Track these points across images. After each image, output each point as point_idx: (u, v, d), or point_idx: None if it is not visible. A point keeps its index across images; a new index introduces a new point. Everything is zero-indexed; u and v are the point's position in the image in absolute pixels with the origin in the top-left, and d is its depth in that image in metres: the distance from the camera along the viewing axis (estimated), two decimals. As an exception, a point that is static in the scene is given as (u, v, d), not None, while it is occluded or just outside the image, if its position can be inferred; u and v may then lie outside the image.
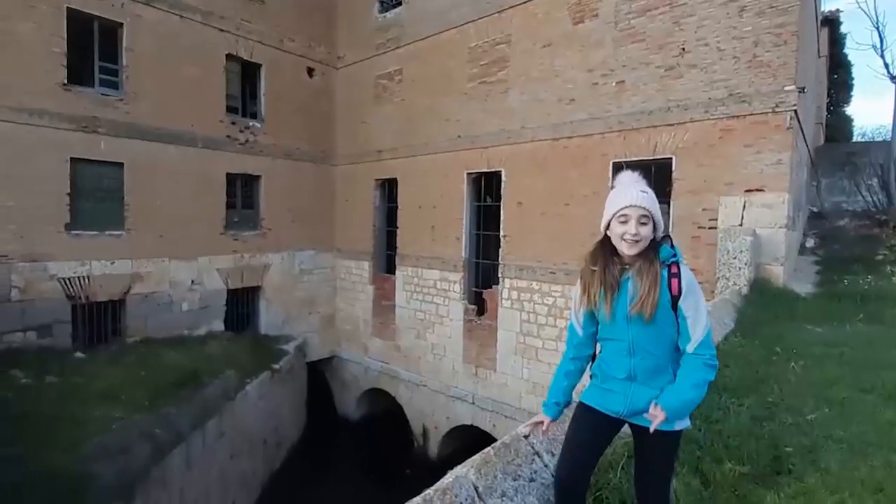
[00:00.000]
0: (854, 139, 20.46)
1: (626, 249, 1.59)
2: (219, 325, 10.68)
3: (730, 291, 5.90)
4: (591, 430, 1.69)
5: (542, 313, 8.80)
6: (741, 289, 5.99)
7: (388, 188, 12.23)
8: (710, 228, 6.84)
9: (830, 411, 3.09)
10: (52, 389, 6.88)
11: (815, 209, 12.53)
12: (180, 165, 9.99)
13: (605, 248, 1.67)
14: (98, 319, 9.11)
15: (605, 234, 1.67)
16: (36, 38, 8.15)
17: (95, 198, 9.00)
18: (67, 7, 8.44)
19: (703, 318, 1.57)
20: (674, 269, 1.58)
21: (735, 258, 6.04)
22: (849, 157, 13.25)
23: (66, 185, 8.55)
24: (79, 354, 8.19)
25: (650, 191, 1.61)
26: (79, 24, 8.67)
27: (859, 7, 16.68)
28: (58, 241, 8.47)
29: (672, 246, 1.63)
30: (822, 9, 14.20)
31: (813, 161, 12.53)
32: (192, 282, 10.25)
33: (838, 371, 3.86)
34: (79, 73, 8.79)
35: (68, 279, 8.61)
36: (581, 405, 1.74)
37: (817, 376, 3.75)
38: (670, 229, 7.15)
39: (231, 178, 10.96)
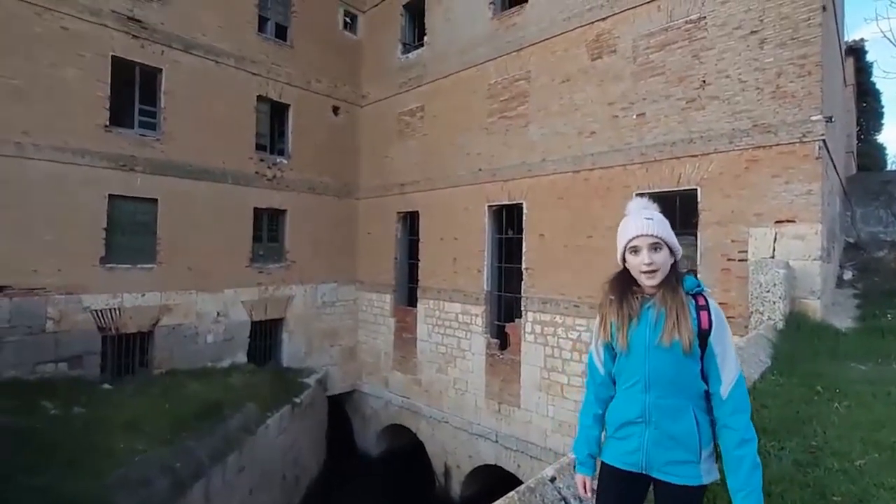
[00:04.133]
0: (888, 168, 19.87)
1: (646, 281, 1.52)
2: (242, 357, 10.76)
3: (764, 326, 5.66)
4: (615, 496, 1.55)
5: (566, 348, 8.59)
6: (776, 323, 5.73)
7: (410, 221, 12.37)
8: (740, 261, 6.63)
9: (880, 456, 2.86)
10: (79, 420, 6.98)
11: (850, 240, 12.06)
12: (211, 201, 10.36)
13: (624, 278, 1.60)
14: (126, 351, 9.30)
15: (624, 266, 1.60)
16: (82, 83, 8.71)
17: (129, 232, 9.35)
18: (112, 55, 9.04)
19: (733, 356, 1.47)
20: (701, 301, 1.49)
21: (768, 291, 5.81)
22: (884, 186, 12.82)
23: (103, 220, 8.93)
24: (106, 385, 8.34)
25: (657, 215, 1.54)
26: (122, 69, 9.25)
27: (885, 36, 16.54)
28: (93, 274, 8.78)
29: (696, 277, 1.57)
30: (846, 38, 14.11)
31: (846, 190, 12.16)
32: (218, 314, 10.43)
33: (886, 412, 3.60)
34: (119, 115, 9.31)
35: (100, 311, 8.87)
36: (603, 466, 1.60)
37: (863, 417, 3.50)
38: (698, 261, 6.98)
39: (258, 213, 11.28)
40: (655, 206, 1.59)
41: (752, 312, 6.10)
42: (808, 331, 5.75)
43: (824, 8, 6.37)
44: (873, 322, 6.83)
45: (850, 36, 15.45)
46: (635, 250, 1.53)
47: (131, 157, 9.27)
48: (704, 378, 1.49)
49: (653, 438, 1.47)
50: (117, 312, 9.06)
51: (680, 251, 1.55)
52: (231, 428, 7.73)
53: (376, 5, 13.18)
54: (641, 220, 1.52)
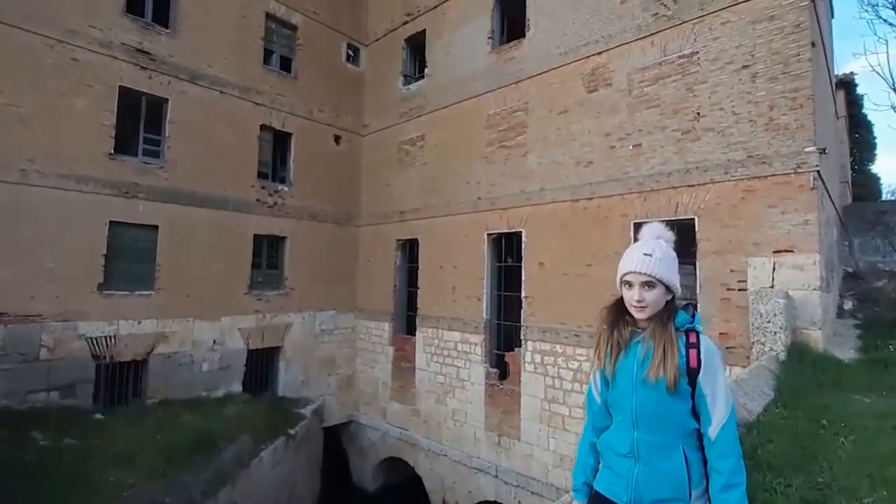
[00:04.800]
0: (883, 198, 20.07)
1: (635, 314, 1.52)
2: (237, 387, 10.59)
3: (766, 357, 5.60)
4: None
5: (567, 378, 8.47)
6: (778, 354, 5.67)
7: (410, 249, 12.39)
8: (739, 290, 6.62)
9: (889, 494, 2.78)
10: (69, 451, 6.82)
11: (849, 269, 12.08)
12: (211, 227, 10.40)
13: (619, 307, 1.59)
14: (120, 380, 9.16)
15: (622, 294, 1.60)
16: (89, 112, 8.87)
17: (129, 259, 9.34)
18: (120, 86, 9.24)
19: (723, 396, 1.42)
20: (692, 339, 1.45)
21: (769, 322, 5.78)
22: (880, 216, 12.93)
23: (103, 246, 8.94)
24: (98, 415, 8.18)
25: (660, 251, 1.51)
26: (128, 99, 9.44)
27: (874, 70, 16.98)
28: (90, 301, 8.73)
29: (693, 315, 1.52)
30: (837, 72, 14.48)
31: (842, 220, 12.25)
32: (214, 342, 10.32)
33: (893, 447, 3.52)
34: (124, 143, 9.42)
35: (96, 339, 8.78)
36: (595, 494, 1.58)
37: (871, 453, 3.42)
38: (697, 291, 6.97)
39: (258, 240, 11.31)
40: (670, 234, 1.57)
41: (753, 343, 6.05)
42: (811, 362, 5.69)
43: (813, 44, 6.56)
44: (876, 353, 6.76)
45: (840, 69, 15.87)
46: (629, 284, 1.53)
47: (134, 184, 9.36)
48: (696, 416, 1.46)
49: (642, 475, 1.44)
50: (113, 340, 8.97)
51: (678, 290, 1.52)
52: (224, 461, 7.54)
53: (378, 39, 13.58)
54: (640, 256, 1.51)
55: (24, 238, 8.08)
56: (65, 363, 8.39)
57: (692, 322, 1.50)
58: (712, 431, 1.41)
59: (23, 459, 6.37)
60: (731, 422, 1.42)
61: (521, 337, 9.30)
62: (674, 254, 1.55)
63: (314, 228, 12.42)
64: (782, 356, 5.68)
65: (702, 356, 1.43)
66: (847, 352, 6.94)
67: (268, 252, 11.66)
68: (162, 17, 10.03)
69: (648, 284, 1.49)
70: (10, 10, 8.07)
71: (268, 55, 11.78)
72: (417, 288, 11.66)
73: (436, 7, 11.87)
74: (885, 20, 14.41)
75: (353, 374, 13.02)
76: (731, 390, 1.46)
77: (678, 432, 1.44)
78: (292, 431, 9.60)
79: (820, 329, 6.17)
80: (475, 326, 10.19)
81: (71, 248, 8.55)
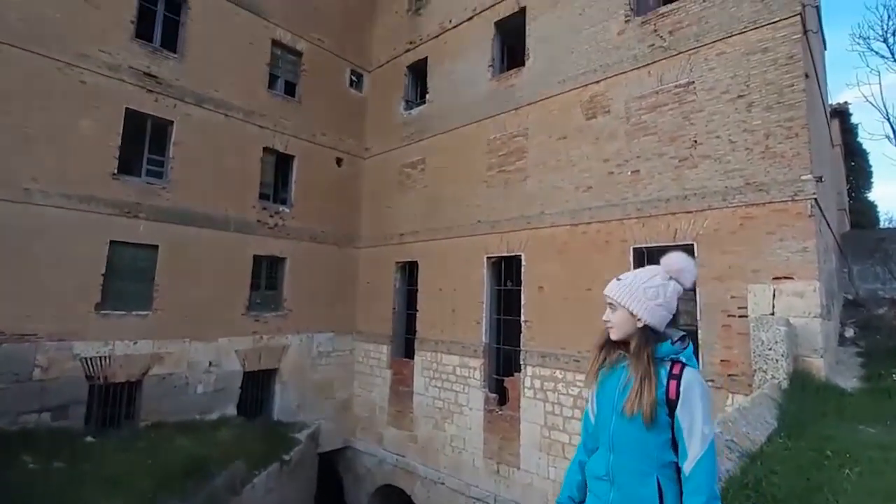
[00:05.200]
0: (881, 225, 20.19)
1: (610, 334, 1.60)
2: (232, 410, 10.42)
3: (769, 385, 5.53)
4: None
5: (566, 405, 8.35)
6: (780, 382, 5.61)
7: (409, 271, 12.39)
8: (740, 317, 6.58)
9: (900, 531, 2.72)
10: (58, 475, 6.67)
11: (849, 296, 12.04)
12: (211, 248, 10.42)
13: None
14: (113, 401, 9.02)
15: None
16: (94, 133, 8.98)
17: (127, 278, 9.32)
18: (126, 108, 9.40)
19: (699, 431, 1.39)
20: (675, 370, 1.46)
21: (770, 349, 5.73)
22: (878, 244, 12.97)
23: (102, 266, 8.93)
24: (89, 438, 8.03)
25: (632, 277, 1.59)
26: (134, 121, 9.58)
27: (867, 101, 17.31)
28: (87, 321, 8.68)
29: (686, 346, 1.52)
30: (831, 101, 14.76)
31: (841, 247, 12.29)
32: (210, 363, 10.21)
33: (901, 480, 3.46)
34: (127, 163, 9.52)
35: (90, 359, 8.68)
36: None
37: (877, 485, 3.36)
38: (698, 317, 6.94)
39: (257, 260, 11.31)
40: (683, 265, 1.58)
41: (755, 370, 5.98)
42: (814, 391, 5.62)
43: (807, 75, 6.71)
44: (879, 382, 6.69)
45: (834, 99, 16.16)
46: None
47: (136, 204, 9.42)
48: (676, 447, 1.45)
49: (616, 499, 1.46)
50: (107, 361, 8.87)
51: (645, 318, 1.53)
52: (217, 487, 7.37)
53: (381, 66, 13.88)
54: (612, 280, 1.63)
55: (23, 256, 8.08)
56: (58, 384, 8.28)
57: (679, 353, 1.50)
58: (686, 466, 1.40)
59: (10, 483, 6.22)
60: (706, 459, 1.38)
61: (521, 361, 9.21)
62: (656, 284, 1.56)
63: (314, 250, 12.44)
64: (784, 384, 5.62)
65: (681, 388, 1.43)
66: (850, 380, 6.87)
67: (267, 273, 11.64)
68: (170, 42, 10.28)
69: (611, 306, 1.59)
70: (25, 34, 8.28)
71: (273, 80, 12.02)
72: (417, 311, 11.61)
73: (438, 36, 12.17)
74: (876, 52, 14.75)
75: (349, 397, 12.84)
76: (712, 425, 1.43)
77: (653, 463, 1.45)
78: (287, 457, 9.41)
79: (822, 357, 6.11)
80: (474, 350, 10.10)
81: (70, 267, 8.55)
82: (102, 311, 8.86)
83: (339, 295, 12.90)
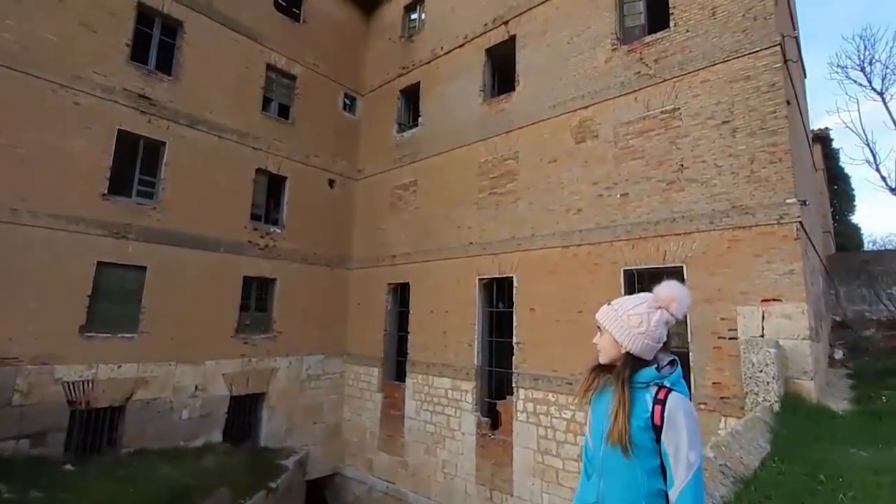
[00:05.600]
0: (865, 247, 20.56)
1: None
2: (218, 436, 10.15)
3: (760, 408, 5.52)
4: None
5: (560, 429, 8.25)
6: (772, 405, 5.61)
7: (401, 293, 12.33)
8: (730, 339, 6.61)
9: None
10: (33, 506, 6.41)
11: (837, 318, 12.17)
12: (201, 269, 10.31)
13: None
14: (95, 427, 8.76)
15: None
16: (86, 154, 8.94)
17: (114, 300, 9.16)
18: (119, 129, 9.40)
19: (685, 458, 1.37)
20: (660, 395, 1.45)
21: (761, 371, 5.74)
22: (863, 266, 13.19)
23: (88, 287, 8.79)
24: (69, 466, 7.76)
25: (621, 304, 1.61)
26: (126, 141, 9.57)
27: (847, 127, 17.86)
28: (70, 344, 8.49)
29: (673, 371, 1.52)
30: (812, 127, 15.18)
31: (827, 269, 12.47)
32: (196, 387, 9.98)
33: (893, 503, 3.43)
34: (118, 184, 9.47)
35: (73, 383, 8.46)
36: None
37: (872, 511, 3.33)
38: (689, 339, 6.95)
39: (248, 281, 11.20)
40: (674, 294, 1.57)
41: (746, 393, 5.98)
42: (805, 413, 5.62)
43: (788, 102, 6.92)
44: (869, 405, 6.71)
45: (815, 125, 16.65)
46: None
47: (126, 224, 9.34)
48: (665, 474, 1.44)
49: None
50: (90, 385, 8.65)
51: (628, 346, 1.53)
52: (199, 516, 7.12)
53: (375, 90, 14.10)
54: (605, 304, 1.67)
55: (6, 278, 7.94)
56: (38, 409, 8.04)
57: (664, 377, 1.50)
58: (672, 493, 1.40)
59: (-18, 515, 5.97)
60: (691, 486, 1.37)
61: (513, 384, 9.13)
62: (640, 311, 1.56)
63: (305, 271, 12.37)
64: (776, 407, 5.61)
65: (665, 413, 1.42)
66: (840, 403, 6.88)
67: (257, 294, 11.52)
68: (165, 64, 10.38)
69: (600, 330, 1.65)
70: (20, 56, 8.32)
71: (267, 102, 12.14)
72: (408, 333, 11.51)
73: (430, 62, 12.43)
74: (854, 80, 15.30)
75: (339, 422, 12.59)
76: (699, 451, 1.41)
77: (641, 491, 1.43)
78: (273, 485, 9.13)
79: (812, 379, 6.14)
80: (466, 373, 10.00)
81: (55, 289, 8.40)
82: (87, 334, 8.68)
83: (329, 317, 12.78)
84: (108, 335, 8.96)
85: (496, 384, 9.98)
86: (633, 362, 1.53)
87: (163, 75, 10.19)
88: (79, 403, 8.49)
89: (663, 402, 1.43)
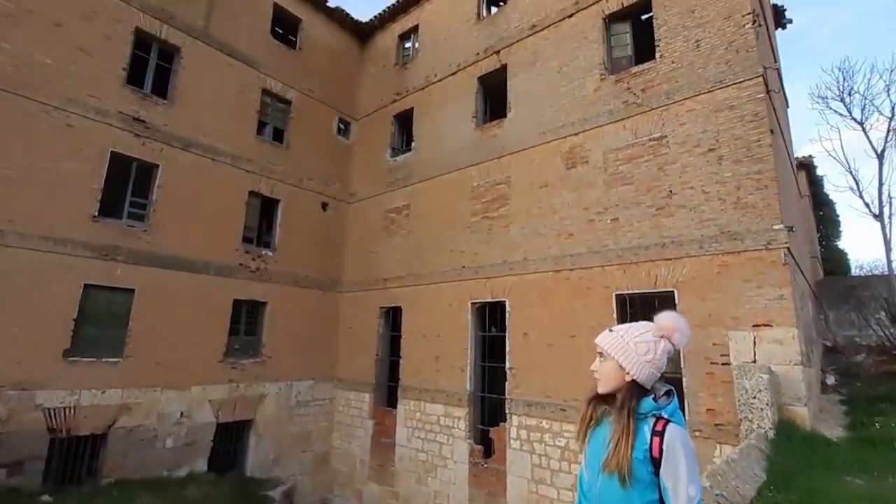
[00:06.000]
0: (852, 272, 20.84)
1: (596, 385, 1.60)
2: (202, 465, 9.84)
3: (755, 435, 5.48)
4: None
5: (554, 457, 8.11)
6: (767, 432, 5.56)
7: (393, 316, 12.23)
8: (723, 364, 6.61)
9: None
10: (4, 541, 6.12)
11: (828, 343, 12.23)
12: (190, 292, 10.18)
13: None
14: (75, 456, 8.47)
15: None
16: (77, 176, 8.89)
17: (100, 323, 8.98)
18: (112, 151, 9.39)
19: (684, 492, 1.36)
20: (658, 426, 1.44)
21: (755, 398, 5.72)
22: (851, 291, 13.34)
23: (74, 310, 8.61)
24: (46, 497, 7.47)
25: (625, 331, 1.59)
26: (119, 163, 9.54)
27: (830, 155, 18.31)
28: (53, 368, 8.27)
29: (670, 402, 1.51)
30: (796, 154, 15.56)
31: (816, 294, 12.59)
32: (182, 414, 9.72)
33: (892, 536, 3.39)
34: (109, 205, 9.38)
35: (54, 410, 8.20)
36: None
37: (870, 542, 3.28)
38: (682, 364, 6.93)
39: (237, 305, 11.06)
40: (676, 325, 1.58)
41: (741, 419, 5.93)
42: (800, 441, 5.58)
43: (772, 131, 7.11)
44: (863, 431, 6.68)
45: (798, 153, 17.04)
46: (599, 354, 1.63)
47: (115, 246, 9.24)
48: None
49: None
50: (72, 411, 8.40)
51: (635, 373, 1.52)
52: (180, 551, 6.83)
53: (369, 114, 14.29)
54: (606, 329, 1.64)
55: (-9, 301, 7.78)
56: (17, 437, 7.76)
57: (661, 408, 1.48)
58: None
59: (-50, 551, 5.69)
60: None
61: (507, 411, 9.00)
62: (647, 340, 1.55)
63: (296, 294, 12.25)
64: (771, 434, 5.57)
65: (664, 445, 1.40)
66: (834, 429, 6.85)
67: (247, 318, 11.37)
68: (161, 88, 10.47)
69: (601, 356, 1.60)
70: (14, 78, 8.34)
71: (261, 126, 12.23)
72: (400, 357, 11.37)
73: (423, 88, 12.66)
74: (835, 111, 15.75)
75: (328, 450, 12.28)
76: (698, 484, 1.40)
77: None
78: (259, 516, 8.83)
79: (805, 405, 6.12)
80: (459, 399, 9.85)
81: (40, 312, 8.22)
82: (71, 358, 8.47)
83: (320, 341, 12.61)
84: (93, 360, 8.75)
85: (489, 410, 9.84)
86: (636, 391, 1.51)
87: (158, 99, 10.27)
88: (59, 431, 8.21)
89: (661, 434, 1.41)
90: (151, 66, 10.39)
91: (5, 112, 8.23)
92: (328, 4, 13.98)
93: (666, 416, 1.46)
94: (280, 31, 13.25)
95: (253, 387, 11.01)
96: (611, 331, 1.62)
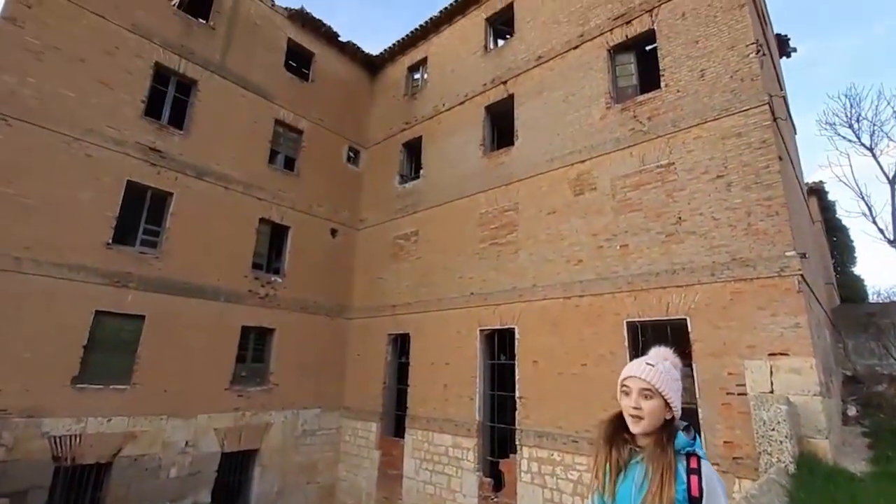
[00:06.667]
0: (869, 298, 20.39)
1: (630, 426, 1.46)
2: (206, 496, 9.65)
3: (775, 469, 5.27)
4: None
5: (566, 491, 7.85)
6: (787, 466, 5.35)
7: (401, 343, 12.13)
8: (739, 395, 6.41)
9: None
10: (3, 575, 5.99)
11: (848, 373, 11.87)
12: (200, 318, 10.22)
13: (618, 423, 1.54)
14: (79, 485, 8.37)
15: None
16: (94, 204, 9.09)
17: (109, 350, 9.00)
18: (128, 180, 9.62)
19: None
20: (692, 464, 1.38)
21: (773, 430, 5.52)
22: (870, 318, 13.01)
23: (84, 337, 8.67)
24: (46, 529, 7.33)
25: (662, 365, 1.50)
26: (134, 191, 9.77)
27: (840, 181, 18.23)
28: (61, 395, 8.26)
29: (694, 437, 1.46)
30: (806, 180, 15.50)
31: (833, 322, 12.30)
32: (187, 443, 9.60)
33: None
34: (122, 232, 9.54)
35: (60, 437, 8.16)
36: None
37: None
38: (697, 394, 6.75)
39: (245, 331, 11.06)
40: (677, 360, 1.55)
41: (760, 452, 5.72)
42: (823, 476, 5.35)
43: (780, 158, 7.09)
44: (888, 466, 6.39)
45: (809, 178, 16.97)
46: (626, 392, 1.49)
47: (127, 273, 9.35)
48: None
49: None
50: (78, 439, 8.34)
51: (678, 410, 1.47)
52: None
53: (378, 143, 14.55)
54: (641, 363, 1.51)
55: (3, 327, 7.85)
56: (21, 466, 7.70)
57: (694, 445, 1.43)
58: None
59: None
60: None
61: (517, 442, 8.77)
62: (678, 375, 1.52)
63: (304, 321, 12.24)
64: (792, 468, 5.35)
65: (703, 484, 1.35)
66: (857, 463, 6.57)
67: (254, 345, 11.34)
68: (178, 119, 10.78)
69: (647, 393, 1.46)
70: (37, 111, 8.65)
71: (273, 154, 12.50)
72: (408, 385, 11.21)
73: (432, 117, 12.90)
74: (843, 137, 15.76)
75: (334, 482, 12.01)
76: None
77: None
78: (262, 550, 8.59)
79: (827, 438, 5.89)
80: (468, 429, 9.64)
81: (51, 338, 8.28)
82: (79, 385, 8.47)
83: (327, 368, 12.51)
84: (101, 386, 8.74)
85: (499, 441, 9.60)
86: (674, 428, 1.46)
87: (175, 129, 10.56)
88: (64, 459, 8.14)
89: (698, 472, 1.36)
90: (169, 98, 10.73)
91: (27, 143, 8.50)
92: (340, 39, 14.45)
93: (700, 453, 1.41)
94: (293, 64, 13.68)
95: (259, 415, 10.89)
96: (651, 365, 1.49)
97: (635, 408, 1.45)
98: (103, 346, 8.94)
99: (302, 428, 11.67)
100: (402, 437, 10.93)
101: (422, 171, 12.78)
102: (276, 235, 12.37)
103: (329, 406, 12.35)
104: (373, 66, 15.36)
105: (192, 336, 10.03)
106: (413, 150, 13.64)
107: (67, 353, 8.46)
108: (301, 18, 13.53)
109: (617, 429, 1.53)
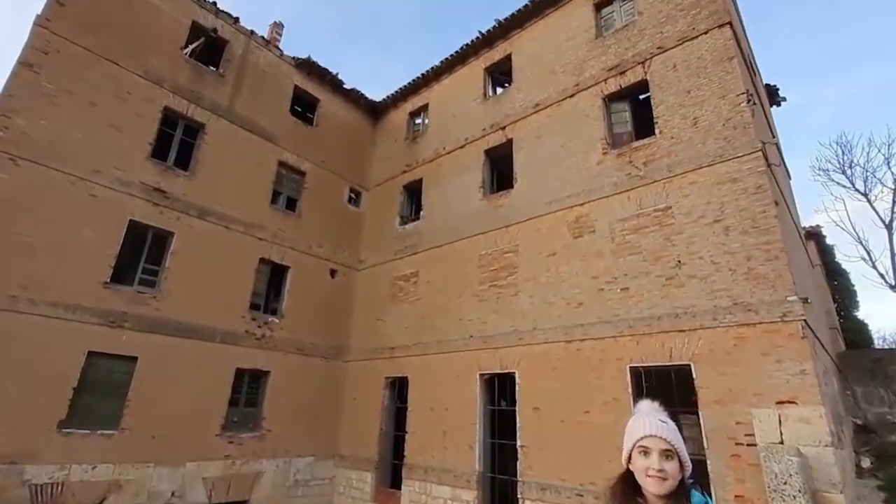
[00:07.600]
0: (874, 343, 20.09)
1: (652, 487, 1.37)
2: (189, 551, 9.14)
3: (789, 527, 5.00)
4: None
5: (570, 548, 7.43)
6: (802, 524, 5.08)
7: (399, 387, 11.84)
8: (748, 445, 6.18)
9: None
10: None
11: (858, 422, 11.52)
12: (194, 360, 10.01)
13: (627, 484, 1.45)
14: (55, 539, 7.92)
15: (628, 468, 1.47)
16: (95, 243, 9.10)
17: (99, 392, 8.76)
18: (130, 219, 9.69)
19: None
20: None
21: (786, 483, 5.29)
22: (877, 364, 12.75)
23: (74, 378, 8.45)
24: (17, 587, 6.88)
25: (671, 422, 1.46)
26: (136, 231, 9.80)
27: (837, 225, 18.39)
28: (46, 440, 7.97)
29: (703, 492, 1.41)
30: (802, 224, 15.63)
31: (839, 368, 12.06)
32: (173, 493, 9.17)
33: None
34: (121, 272, 9.50)
35: (41, 486, 7.81)
36: None
37: None
38: (704, 444, 6.51)
39: (240, 374, 10.80)
40: (665, 414, 1.52)
41: (773, 508, 5.45)
42: (841, 534, 5.07)
43: (776, 202, 7.17)
44: (910, 523, 6.08)
45: (806, 222, 17.11)
46: (645, 452, 1.42)
47: (123, 313, 9.24)
48: None
49: None
50: (60, 488, 7.97)
51: (689, 466, 1.43)
52: None
53: (379, 185, 14.78)
54: (656, 421, 1.45)
55: (-7, 368, 7.68)
56: (-4, 516, 7.33)
57: (707, 502, 1.39)
58: None
59: None
60: None
61: (519, 495, 8.38)
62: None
63: (300, 363, 11.99)
64: (808, 526, 5.08)
65: None
66: (877, 520, 6.25)
67: (248, 388, 11.05)
68: (183, 161, 10.98)
69: (668, 454, 1.39)
70: (46, 152, 8.82)
71: (275, 195, 12.66)
72: (405, 432, 10.85)
73: (433, 160, 13.17)
74: (837, 182, 16.01)
75: (326, 536, 11.39)
76: None
77: None
78: None
79: (842, 493, 5.63)
80: (467, 480, 9.24)
81: (40, 379, 8.07)
82: (65, 430, 8.19)
83: (322, 413, 12.14)
84: (88, 431, 8.45)
85: (500, 493, 9.18)
86: (686, 485, 1.41)
87: (180, 170, 10.74)
88: (42, 510, 7.76)
89: None
90: (176, 140, 10.98)
91: (33, 183, 8.61)
92: (345, 86, 14.97)
93: None
94: (299, 109, 14.11)
95: (250, 463, 10.47)
96: (664, 422, 1.45)
97: (659, 470, 1.38)
98: (94, 388, 8.71)
99: (294, 478, 11.19)
100: (399, 488, 10.46)
101: (422, 213, 12.91)
102: (275, 275, 12.33)
103: (323, 454, 11.90)
104: (375, 111, 15.84)
105: (184, 378, 9.80)
106: (414, 192, 13.83)
107: (56, 395, 8.23)
108: (308, 67, 14.06)
109: (629, 492, 1.45)
